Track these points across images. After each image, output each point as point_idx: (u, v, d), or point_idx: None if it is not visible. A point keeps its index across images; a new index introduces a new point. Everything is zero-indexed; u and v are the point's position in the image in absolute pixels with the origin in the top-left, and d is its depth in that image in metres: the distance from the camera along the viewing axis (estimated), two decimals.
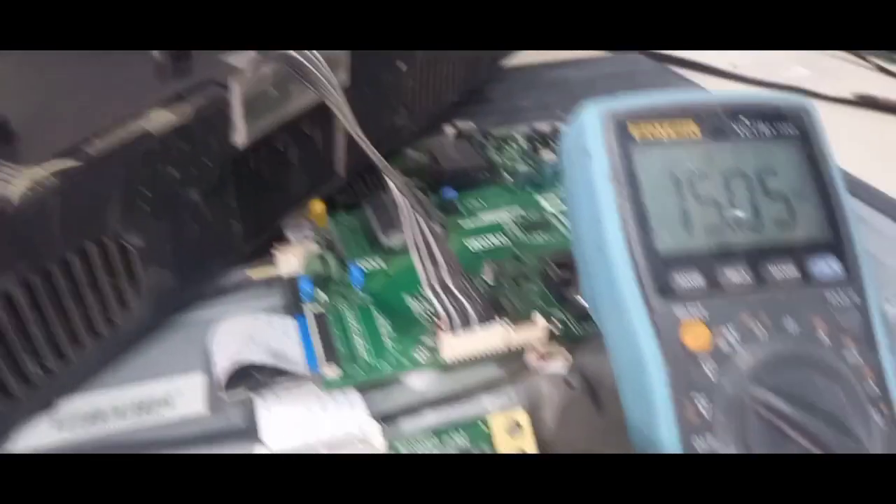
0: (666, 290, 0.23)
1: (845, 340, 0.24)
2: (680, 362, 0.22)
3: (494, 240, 0.36)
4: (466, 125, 0.44)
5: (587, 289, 0.26)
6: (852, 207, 0.26)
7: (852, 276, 0.25)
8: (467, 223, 0.37)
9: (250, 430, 0.25)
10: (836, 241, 0.25)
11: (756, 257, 0.24)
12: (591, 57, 0.59)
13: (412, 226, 0.28)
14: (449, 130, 0.43)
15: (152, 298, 0.27)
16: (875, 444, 0.23)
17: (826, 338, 0.24)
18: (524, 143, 0.43)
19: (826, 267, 0.25)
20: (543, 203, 0.38)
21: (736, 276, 0.24)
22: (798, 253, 0.25)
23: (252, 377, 0.27)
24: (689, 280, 0.23)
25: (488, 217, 0.37)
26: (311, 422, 0.25)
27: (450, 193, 0.38)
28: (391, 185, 0.27)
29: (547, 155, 0.41)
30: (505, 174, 0.41)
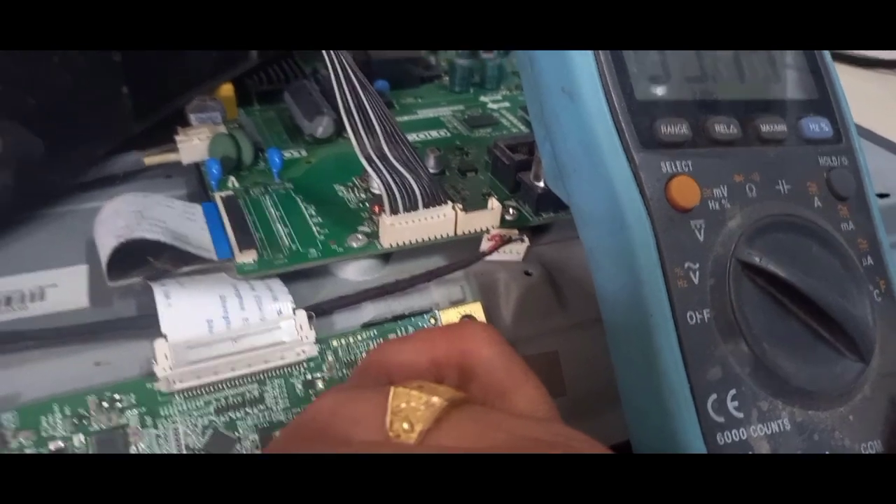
0: (649, 141, 0.20)
1: (839, 206, 0.22)
2: (667, 222, 0.19)
3: (435, 133, 0.31)
4: None
5: (549, 158, 0.22)
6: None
7: (843, 138, 0.22)
8: (403, 118, 0.33)
9: (144, 322, 0.20)
10: (825, 100, 0.23)
11: (743, 111, 0.21)
12: None
13: (343, 86, 0.23)
14: None
15: (14, 168, 0.22)
16: (872, 316, 0.20)
17: (819, 201, 0.21)
18: None
19: (816, 126, 0.22)
20: (487, 101, 0.35)
21: (724, 129, 0.21)
22: (786, 110, 0.22)
23: (149, 264, 0.22)
24: (674, 130, 0.20)
25: (426, 113, 0.33)
26: (222, 311, 0.20)
27: (381, 85, 0.33)
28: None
29: (487, 53, 0.37)
30: (444, 75, 0.37)
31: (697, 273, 0.19)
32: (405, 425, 0.14)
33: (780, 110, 0.22)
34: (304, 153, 0.29)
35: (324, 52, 0.24)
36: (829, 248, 0.21)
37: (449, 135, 0.31)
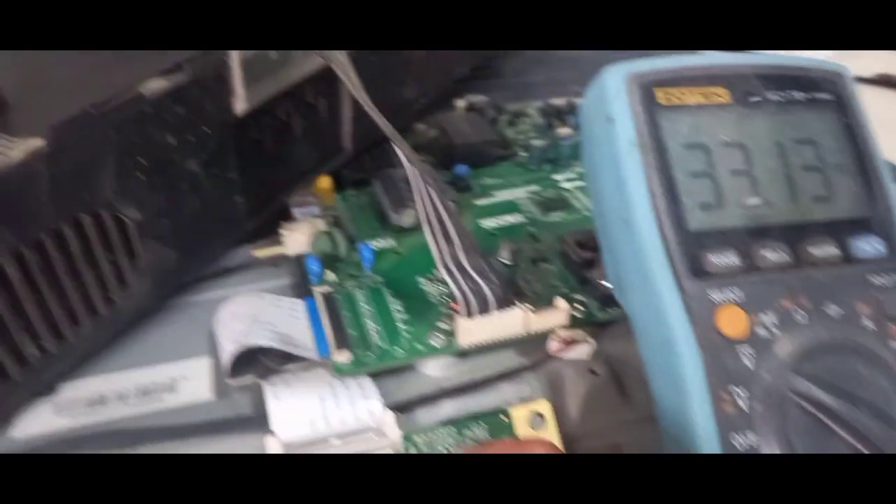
0: (699, 271, 0.22)
1: (890, 326, 0.23)
2: (716, 350, 0.21)
3: (510, 218, 0.34)
4: (478, 99, 0.42)
5: (611, 269, 0.24)
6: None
7: None
8: (481, 201, 0.35)
9: (259, 419, 0.24)
10: (877, 218, 0.24)
11: (793, 235, 0.23)
12: None
13: (424, 200, 0.26)
14: (459, 104, 0.41)
15: (152, 276, 0.26)
16: None
17: (870, 323, 0.22)
18: (539, 118, 0.42)
19: (867, 245, 0.23)
20: (560, 180, 0.37)
21: (773, 255, 0.22)
22: (837, 230, 0.23)
23: (259, 362, 0.26)
24: (723, 260, 0.22)
25: (503, 195, 0.36)
26: (322, 411, 0.24)
27: (462, 170, 0.36)
28: (401, 155, 0.26)
29: (563, 130, 0.39)
30: (519, 150, 0.39)
31: (744, 398, 0.21)
32: None
33: (831, 231, 0.23)
34: (393, 242, 0.32)
35: (406, 169, 0.26)
36: (878, 368, 0.22)
37: (524, 219, 0.34)
